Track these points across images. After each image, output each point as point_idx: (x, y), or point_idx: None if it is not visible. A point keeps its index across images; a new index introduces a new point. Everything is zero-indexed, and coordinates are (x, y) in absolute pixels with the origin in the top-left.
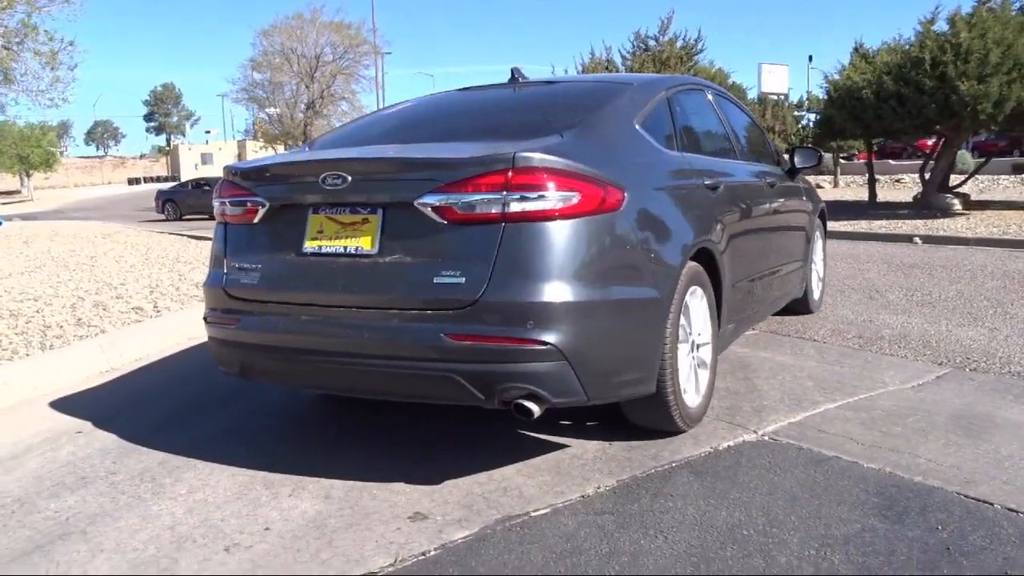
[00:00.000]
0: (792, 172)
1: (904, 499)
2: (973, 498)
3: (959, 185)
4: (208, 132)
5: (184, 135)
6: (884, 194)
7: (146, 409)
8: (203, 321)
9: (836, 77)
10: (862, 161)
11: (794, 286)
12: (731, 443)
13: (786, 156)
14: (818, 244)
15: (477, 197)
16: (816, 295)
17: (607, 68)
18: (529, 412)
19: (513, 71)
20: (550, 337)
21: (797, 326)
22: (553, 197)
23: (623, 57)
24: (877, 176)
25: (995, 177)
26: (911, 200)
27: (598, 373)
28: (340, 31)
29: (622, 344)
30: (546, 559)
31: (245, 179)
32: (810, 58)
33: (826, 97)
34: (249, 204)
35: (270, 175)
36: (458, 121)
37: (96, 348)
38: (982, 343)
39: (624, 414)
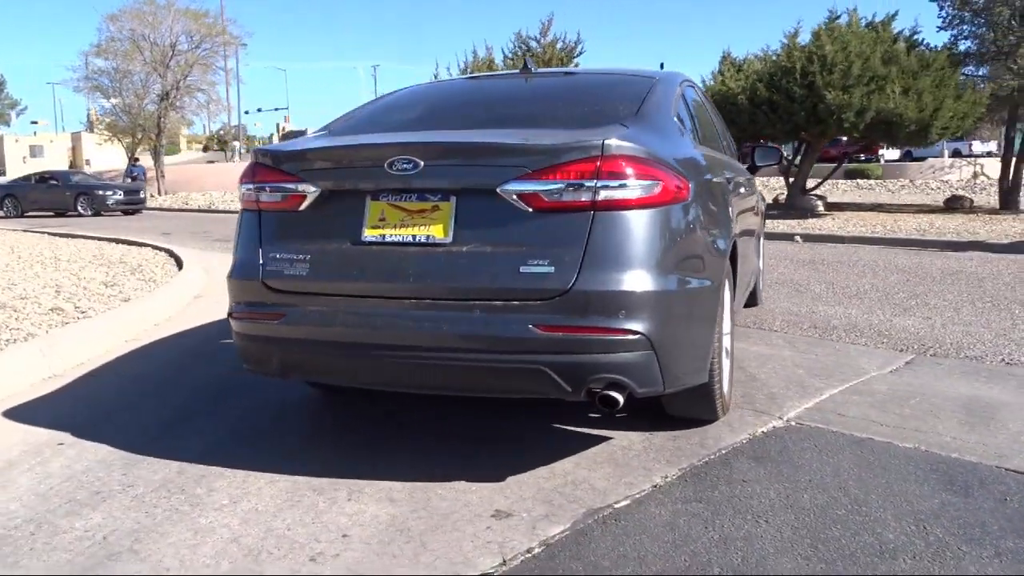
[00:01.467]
0: (752, 170)
1: (958, 474)
2: (1014, 471)
3: (815, 188)
4: (35, 123)
5: (8, 125)
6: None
7: (128, 416)
8: (229, 317)
9: (711, 83)
10: None
11: (754, 279)
12: (764, 429)
13: None
14: (762, 239)
15: (567, 185)
16: (760, 288)
17: (489, 67)
18: (615, 403)
19: (526, 61)
20: (640, 326)
21: (752, 318)
22: (639, 186)
23: (505, 57)
24: None
25: (834, 182)
26: (776, 202)
27: (674, 362)
28: (197, 19)
29: (691, 333)
30: (663, 548)
31: (288, 163)
32: (661, 66)
33: None
34: (294, 190)
35: (321, 159)
36: (504, 109)
37: (36, 352)
38: (926, 331)
39: (663, 405)
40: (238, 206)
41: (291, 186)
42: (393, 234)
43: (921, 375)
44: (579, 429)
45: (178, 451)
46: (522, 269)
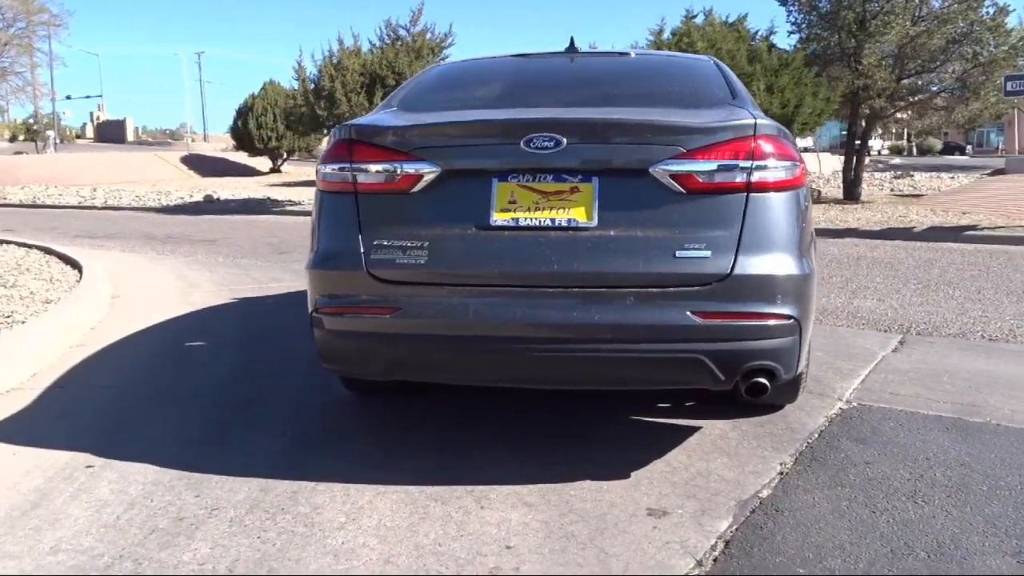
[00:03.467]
0: None
1: None
2: None
3: None
4: None
5: None
6: None
7: (148, 429)
8: (317, 315)
9: None
10: None
11: None
12: (835, 412)
13: None
14: None
15: (723, 165)
16: None
17: (357, 55)
18: (764, 391)
19: (572, 41)
20: (792, 311)
21: None
22: (783, 167)
23: (372, 45)
24: None
25: None
26: None
27: (805, 346)
28: None
29: (811, 317)
30: (851, 536)
31: (398, 140)
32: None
33: None
34: (407, 170)
35: (443, 135)
36: (597, 88)
37: None
38: (892, 312)
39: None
40: (68, 200)
41: (404, 165)
42: (528, 218)
43: (925, 353)
44: (660, 420)
45: (244, 466)
46: (678, 254)
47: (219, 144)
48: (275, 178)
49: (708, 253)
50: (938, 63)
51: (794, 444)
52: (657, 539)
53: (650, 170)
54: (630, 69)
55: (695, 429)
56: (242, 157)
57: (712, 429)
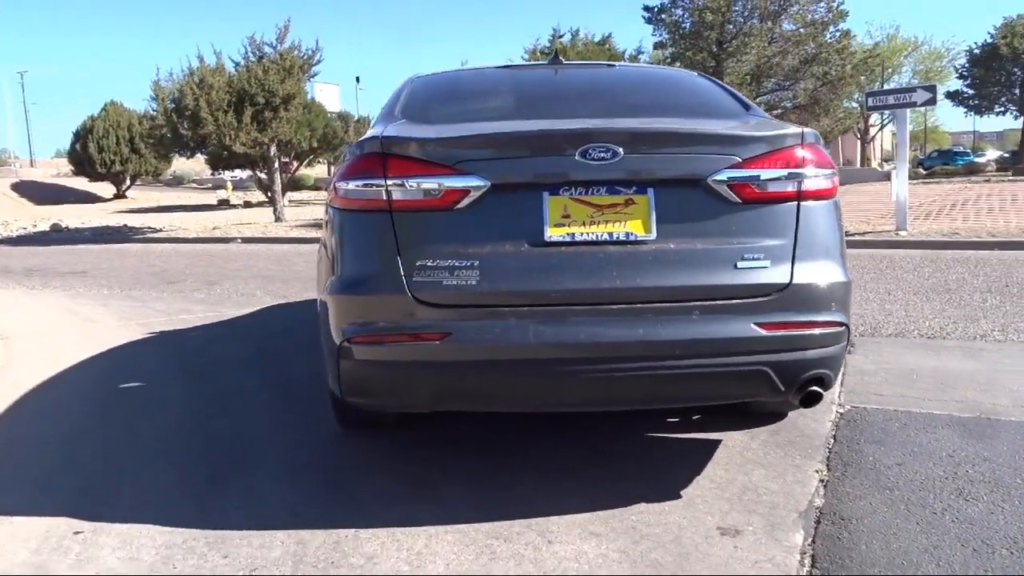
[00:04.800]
0: None
1: None
2: None
3: None
4: None
5: None
6: None
7: (128, 487)
8: (348, 345)
9: None
10: None
11: None
12: (835, 416)
13: None
14: None
15: (777, 174)
16: None
17: (220, 73)
18: (818, 399)
19: (556, 52)
20: (844, 318)
21: None
22: (825, 175)
23: (236, 65)
24: None
25: None
26: None
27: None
28: None
29: None
30: (932, 539)
31: (440, 153)
32: (357, 79)
33: None
34: (451, 185)
35: (491, 147)
36: (613, 98)
37: None
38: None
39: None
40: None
41: (449, 180)
42: (585, 232)
43: (878, 354)
44: (679, 436)
45: (263, 517)
46: (739, 264)
47: (49, 169)
48: (121, 204)
49: (767, 263)
50: (792, 82)
51: (818, 451)
52: (745, 559)
53: (708, 180)
54: (635, 80)
55: (716, 442)
56: (81, 183)
57: (732, 441)
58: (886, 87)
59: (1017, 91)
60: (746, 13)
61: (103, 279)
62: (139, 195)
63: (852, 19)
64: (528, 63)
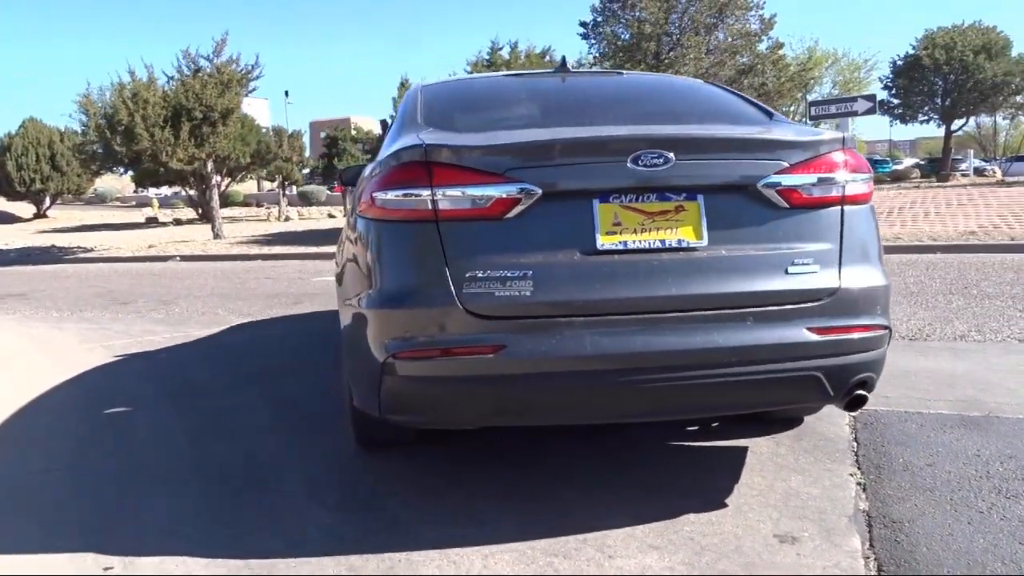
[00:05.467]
0: None
1: None
2: None
3: None
4: None
5: None
6: None
7: (134, 511)
8: (395, 360)
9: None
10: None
11: None
12: (850, 420)
13: None
14: None
15: (822, 179)
16: None
17: (151, 86)
18: (863, 403)
19: (563, 60)
20: (886, 321)
21: None
22: (865, 180)
23: (169, 78)
24: None
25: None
26: None
27: None
28: None
29: None
30: (996, 537)
31: (490, 161)
32: (286, 93)
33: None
34: (502, 193)
35: (540, 155)
36: (646, 105)
37: None
38: None
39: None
40: None
41: (499, 189)
42: (637, 240)
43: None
44: (700, 444)
45: (304, 545)
46: (790, 270)
47: None
48: (43, 224)
49: (817, 268)
50: None
51: (846, 455)
52: (812, 566)
53: (757, 185)
54: (655, 87)
55: (743, 449)
56: None
57: (758, 447)
58: (810, 98)
59: (939, 100)
60: (682, 25)
61: (47, 301)
62: (60, 214)
63: (776, 33)
64: (536, 71)
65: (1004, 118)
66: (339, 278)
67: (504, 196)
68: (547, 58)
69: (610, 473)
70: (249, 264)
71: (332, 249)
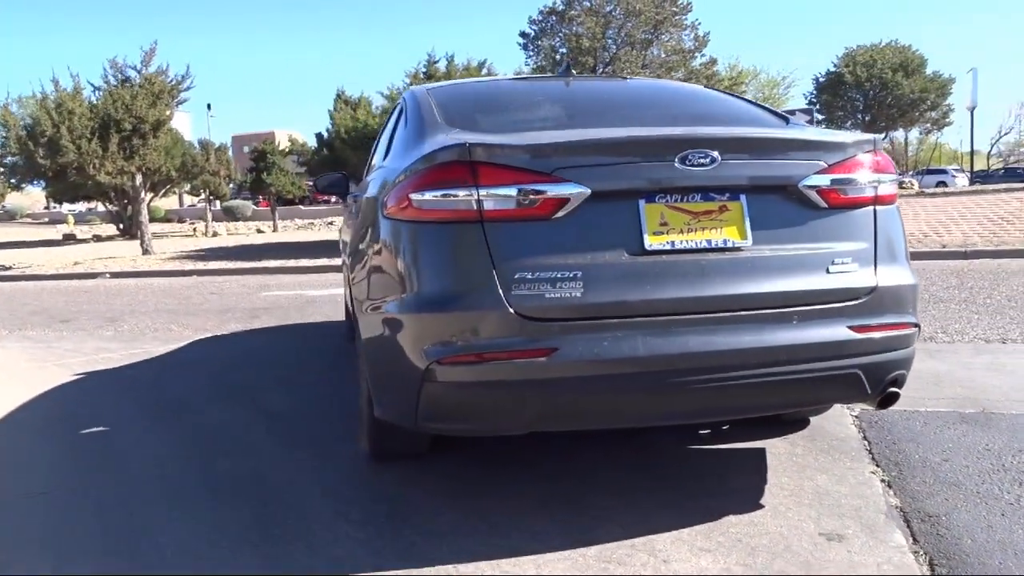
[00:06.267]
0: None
1: None
2: None
3: None
4: None
5: None
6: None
7: (145, 532)
8: (439, 365)
9: (336, 120)
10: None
11: None
12: (853, 419)
13: None
14: None
15: (858, 179)
16: None
17: (77, 97)
18: (896, 400)
19: (568, 65)
20: (916, 319)
21: None
22: (892, 180)
23: (95, 88)
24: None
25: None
26: None
27: None
28: None
29: None
30: None
31: (538, 160)
32: (208, 106)
33: (329, 140)
34: (551, 193)
35: (591, 154)
36: (670, 108)
37: None
38: None
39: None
40: None
41: (548, 188)
42: (684, 240)
43: None
44: (717, 446)
45: (349, 562)
46: (830, 269)
47: None
48: None
49: (856, 267)
50: None
51: (861, 453)
52: (866, 563)
53: (799, 185)
54: (669, 92)
55: (761, 450)
56: None
57: (775, 449)
58: None
59: (860, 115)
60: (619, 40)
61: None
62: None
63: (709, 50)
64: (541, 76)
65: (921, 133)
66: (355, 285)
67: (553, 196)
68: (484, 71)
69: (638, 478)
70: (186, 280)
71: (273, 264)
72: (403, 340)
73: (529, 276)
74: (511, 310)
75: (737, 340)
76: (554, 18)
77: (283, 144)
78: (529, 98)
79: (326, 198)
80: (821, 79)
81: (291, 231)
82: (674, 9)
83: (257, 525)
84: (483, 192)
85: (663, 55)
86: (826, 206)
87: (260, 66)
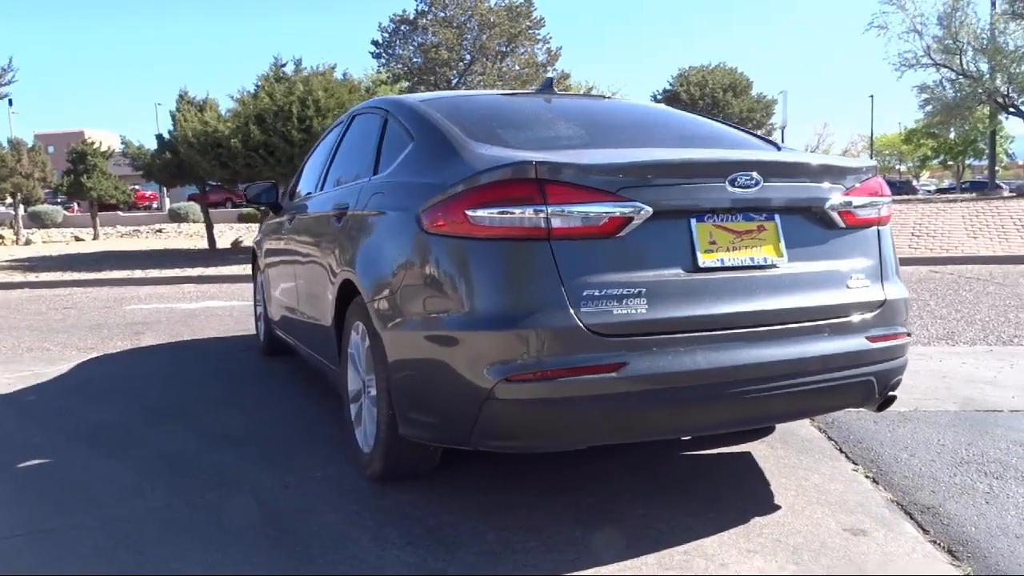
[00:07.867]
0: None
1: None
2: None
3: None
4: None
5: None
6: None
7: (193, 562)
8: (507, 383)
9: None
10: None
11: None
12: (811, 423)
13: None
14: None
15: (869, 201)
16: None
17: None
18: (892, 402)
19: (551, 80)
20: (908, 328)
21: None
22: (888, 203)
23: None
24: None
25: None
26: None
27: None
28: None
29: None
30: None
31: (604, 180)
32: (10, 101)
33: (170, 142)
34: (617, 212)
35: (651, 175)
36: (670, 130)
37: None
38: None
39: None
40: None
41: (615, 207)
42: (731, 258)
43: None
44: (704, 452)
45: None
46: (849, 284)
47: None
48: None
49: (868, 282)
50: None
51: (835, 453)
52: (898, 554)
53: (824, 206)
54: (662, 114)
55: (745, 454)
56: None
57: (758, 451)
58: None
59: None
60: (474, 51)
61: None
62: None
63: (560, 65)
64: (524, 91)
65: None
66: (376, 302)
67: (619, 215)
68: (340, 76)
69: (655, 487)
70: (19, 293)
71: (118, 275)
72: (459, 358)
73: (597, 293)
74: (582, 326)
75: (783, 352)
76: (405, 27)
77: (104, 145)
78: (538, 115)
79: (148, 203)
80: (659, 96)
81: (115, 239)
82: (528, 23)
83: (295, 559)
84: (552, 210)
85: (517, 67)
86: (844, 226)
87: (68, 60)
